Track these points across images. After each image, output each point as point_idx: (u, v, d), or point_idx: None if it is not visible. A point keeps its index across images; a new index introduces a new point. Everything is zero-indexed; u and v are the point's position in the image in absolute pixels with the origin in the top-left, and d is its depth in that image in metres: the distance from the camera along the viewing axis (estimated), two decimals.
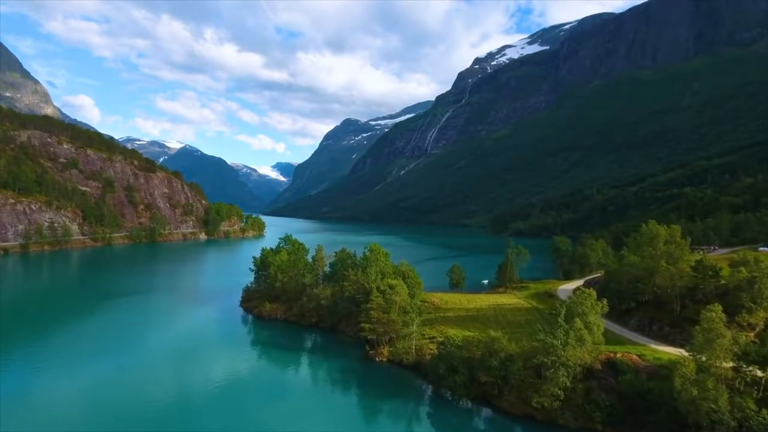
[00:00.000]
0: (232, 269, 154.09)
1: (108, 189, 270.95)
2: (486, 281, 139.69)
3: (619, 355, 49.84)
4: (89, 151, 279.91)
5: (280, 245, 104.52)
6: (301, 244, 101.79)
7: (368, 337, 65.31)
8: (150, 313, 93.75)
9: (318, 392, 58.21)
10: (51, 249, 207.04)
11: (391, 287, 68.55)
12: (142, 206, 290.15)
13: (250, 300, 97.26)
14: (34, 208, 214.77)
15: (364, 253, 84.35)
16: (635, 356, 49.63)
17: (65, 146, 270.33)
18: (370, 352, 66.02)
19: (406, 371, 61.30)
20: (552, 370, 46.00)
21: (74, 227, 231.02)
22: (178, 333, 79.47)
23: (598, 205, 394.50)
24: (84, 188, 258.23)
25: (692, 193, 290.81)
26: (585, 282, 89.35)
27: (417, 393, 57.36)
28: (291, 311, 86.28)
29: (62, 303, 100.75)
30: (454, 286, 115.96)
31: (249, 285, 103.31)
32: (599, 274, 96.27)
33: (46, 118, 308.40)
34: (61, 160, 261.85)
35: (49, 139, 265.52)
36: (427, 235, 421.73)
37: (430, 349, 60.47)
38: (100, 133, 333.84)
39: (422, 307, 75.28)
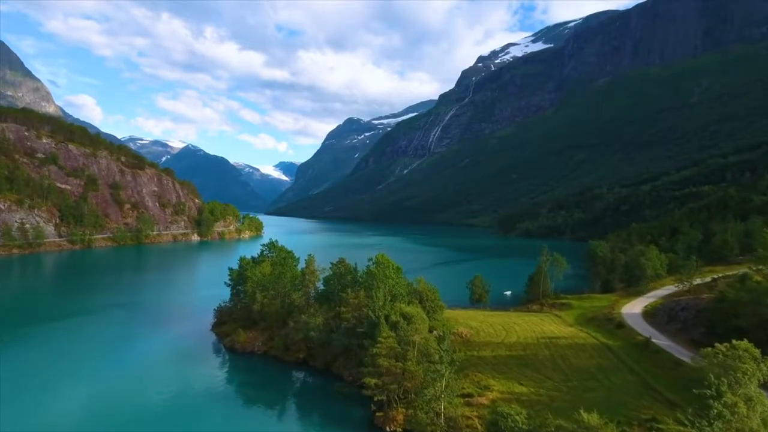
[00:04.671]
0: (217, 277, 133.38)
1: (91, 187, 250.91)
2: (508, 292, 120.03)
3: None
4: (71, 146, 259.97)
5: (264, 253, 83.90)
6: (289, 252, 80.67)
7: (375, 398, 44.64)
8: (96, 341, 73.47)
9: None
10: (21, 252, 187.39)
11: (407, 318, 48.51)
12: (128, 205, 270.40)
13: (223, 324, 76.56)
14: (2, 207, 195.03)
15: (367, 266, 63.55)
16: None
17: (44, 140, 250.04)
18: (378, 414, 45.46)
19: None
20: None
21: (49, 228, 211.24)
22: (119, 374, 59.30)
23: (610, 205, 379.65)
24: (63, 186, 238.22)
25: (713, 191, 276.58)
26: (663, 305, 67.16)
27: None
28: (272, 342, 65.66)
29: None
30: (476, 302, 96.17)
31: (222, 303, 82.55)
32: (674, 288, 75.43)
33: (25, 111, 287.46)
34: (39, 155, 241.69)
35: (26, 133, 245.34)
36: (432, 236, 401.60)
37: (468, 419, 40.40)
38: (84, 128, 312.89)
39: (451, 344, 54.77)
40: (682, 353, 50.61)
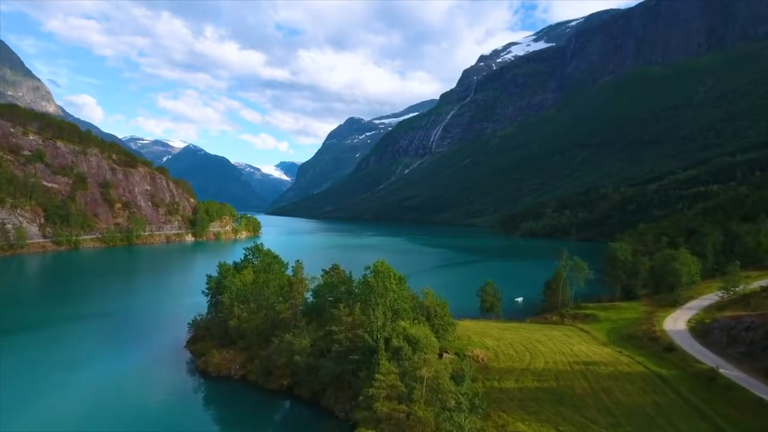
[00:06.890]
0: (203, 281, 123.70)
1: (79, 185, 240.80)
2: (520, 299, 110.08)
3: None
4: (59, 143, 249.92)
5: (247, 257, 73.57)
6: (276, 256, 70.46)
7: None
8: (51, 360, 63.18)
9: None
10: (2, 254, 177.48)
11: (413, 343, 38.60)
12: (119, 205, 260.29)
13: (198, 340, 66.15)
14: None
15: (364, 275, 53.50)
16: None
17: (31, 137, 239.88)
18: None
19: None
20: None
21: (33, 229, 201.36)
22: (69, 404, 49.25)
23: (616, 205, 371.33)
24: (51, 184, 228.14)
25: (722, 191, 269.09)
26: (718, 322, 55.08)
27: None
28: (251, 365, 55.30)
29: None
30: (487, 311, 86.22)
31: (198, 317, 71.60)
32: (716, 298, 63.94)
33: (12, 107, 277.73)
34: (25, 152, 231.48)
35: (12, 129, 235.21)
36: (433, 236, 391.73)
37: None
38: (74, 124, 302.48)
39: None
40: (763, 390, 40.53)
